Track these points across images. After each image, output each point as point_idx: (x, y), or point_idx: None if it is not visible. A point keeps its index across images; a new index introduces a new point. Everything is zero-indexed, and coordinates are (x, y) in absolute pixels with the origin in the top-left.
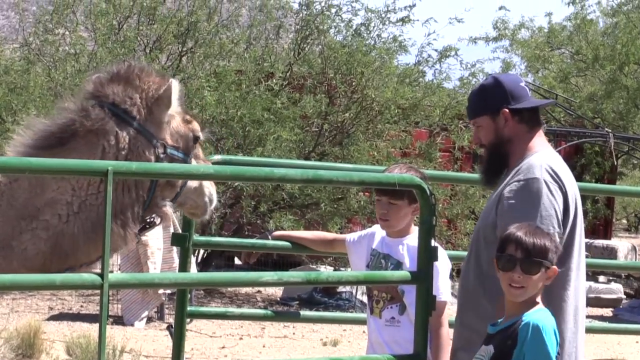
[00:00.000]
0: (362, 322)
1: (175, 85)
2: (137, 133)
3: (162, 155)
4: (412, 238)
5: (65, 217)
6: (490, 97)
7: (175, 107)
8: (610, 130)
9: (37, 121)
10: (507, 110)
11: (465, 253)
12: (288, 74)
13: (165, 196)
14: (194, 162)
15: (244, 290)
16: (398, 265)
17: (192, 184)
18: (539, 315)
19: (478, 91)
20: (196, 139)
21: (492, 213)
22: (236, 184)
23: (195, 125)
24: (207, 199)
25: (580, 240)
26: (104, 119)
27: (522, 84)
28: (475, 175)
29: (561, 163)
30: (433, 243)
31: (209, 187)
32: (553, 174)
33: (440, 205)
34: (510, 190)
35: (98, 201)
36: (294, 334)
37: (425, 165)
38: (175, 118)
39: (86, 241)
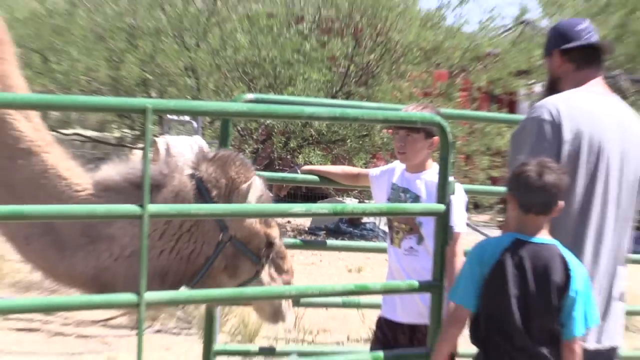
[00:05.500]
0: (383, 251)
1: (256, 185)
2: None
3: (227, 242)
4: (430, 173)
5: (116, 256)
6: (548, 40)
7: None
8: (621, 72)
9: (136, 160)
10: (557, 51)
11: (481, 187)
12: (317, 17)
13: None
14: (265, 276)
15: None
16: (416, 199)
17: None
18: None
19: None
20: (270, 244)
21: None
22: (268, 121)
23: (274, 231)
24: (273, 310)
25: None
26: (187, 187)
27: (580, 27)
28: (492, 114)
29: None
30: (451, 178)
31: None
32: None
33: (459, 142)
34: None
35: (150, 254)
36: (320, 261)
37: (445, 104)
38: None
39: (125, 285)
